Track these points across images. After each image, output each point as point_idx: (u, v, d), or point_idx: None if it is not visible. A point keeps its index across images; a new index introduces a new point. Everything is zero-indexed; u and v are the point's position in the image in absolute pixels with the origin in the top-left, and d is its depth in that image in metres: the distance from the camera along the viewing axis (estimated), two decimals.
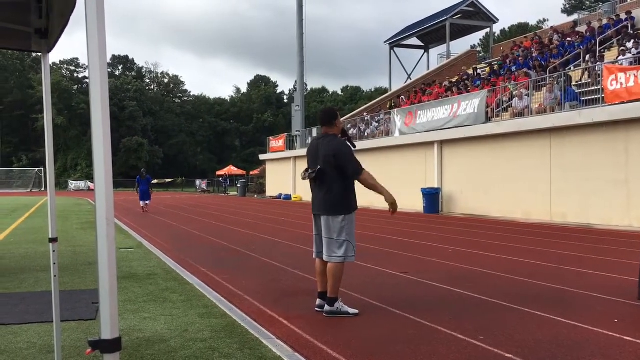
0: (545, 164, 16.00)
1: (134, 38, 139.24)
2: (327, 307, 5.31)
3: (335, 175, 5.27)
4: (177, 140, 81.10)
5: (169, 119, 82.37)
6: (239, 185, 44.07)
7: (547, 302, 5.74)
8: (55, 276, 3.51)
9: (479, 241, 11.40)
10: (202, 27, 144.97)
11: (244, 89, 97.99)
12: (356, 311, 5.31)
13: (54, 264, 3.50)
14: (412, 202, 21.24)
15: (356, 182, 5.38)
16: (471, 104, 19.60)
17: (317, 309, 5.46)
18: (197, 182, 61.09)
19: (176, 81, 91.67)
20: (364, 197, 24.27)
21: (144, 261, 8.92)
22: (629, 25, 21.96)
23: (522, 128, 16.84)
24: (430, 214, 19.52)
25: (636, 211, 13.26)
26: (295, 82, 40.16)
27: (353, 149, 5.57)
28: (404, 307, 5.61)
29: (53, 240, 3.48)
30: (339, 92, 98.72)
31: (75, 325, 5.00)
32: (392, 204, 5.42)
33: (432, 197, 20.07)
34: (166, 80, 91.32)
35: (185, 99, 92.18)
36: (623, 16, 23.02)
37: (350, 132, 30.15)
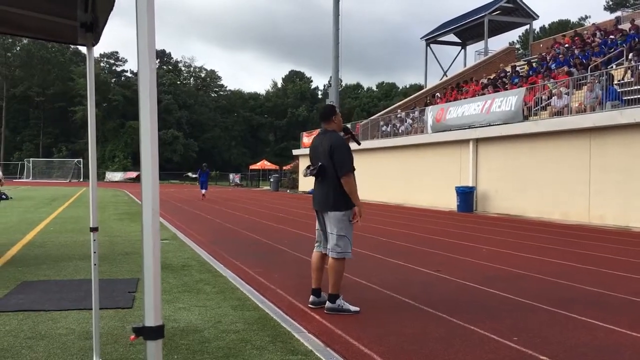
0: (585, 165, 15.65)
1: (159, 30, 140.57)
2: (328, 304, 5.29)
3: (334, 172, 5.27)
4: (211, 134, 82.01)
5: (203, 112, 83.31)
6: (272, 180, 44.35)
7: (583, 305, 5.63)
8: (95, 265, 3.60)
9: (513, 241, 11.23)
10: (226, 20, 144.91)
11: (270, 84, 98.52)
12: (357, 309, 5.28)
13: (94, 252, 3.59)
14: (446, 201, 21.04)
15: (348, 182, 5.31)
16: (508, 101, 19.28)
17: (310, 305, 5.45)
18: (231, 175, 61.71)
19: (213, 76, 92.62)
20: (400, 195, 23.91)
21: (178, 252, 9.06)
22: None
23: (561, 127, 16.50)
24: (464, 213, 19.30)
25: None
26: (330, 77, 40.09)
27: (358, 146, 5.92)
28: (436, 305, 5.57)
29: (94, 229, 3.56)
30: (374, 88, 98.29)
31: (112, 313, 5.12)
32: (360, 213, 5.33)
33: (466, 195, 19.85)
34: (203, 75, 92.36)
35: (222, 93, 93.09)
36: None
37: (383, 128, 30.04)
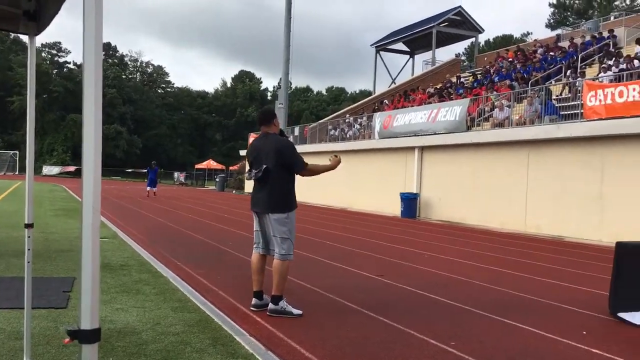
0: (523, 175, 16.21)
1: (106, 21, 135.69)
2: (271, 306, 5.28)
3: (280, 174, 5.32)
4: (157, 131, 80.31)
5: (149, 108, 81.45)
6: (217, 180, 43.82)
7: (518, 312, 5.82)
8: (28, 262, 3.46)
9: (453, 248, 11.50)
10: (175, 16, 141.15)
11: (220, 82, 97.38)
12: (300, 312, 5.28)
13: (29, 250, 3.45)
14: (390, 206, 21.34)
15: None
16: (453, 111, 19.75)
17: (252, 308, 5.43)
18: (176, 174, 60.59)
19: (160, 71, 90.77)
20: (345, 200, 24.04)
21: (117, 252, 8.83)
22: (611, 43, 22.35)
23: (501, 138, 17.03)
24: (408, 219, 19.63)
25: (608, 227, 13.49)
26: (280, 79, 40.00)
27: None
28: (378, 309, 5.64)
29: (29, 226, 3.42)
30: (324, 91, 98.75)
31: (45, 312, 4.94)
32: (337, 162, 5.63)
33: (410, 202, 20.19)
34: (149, 70, 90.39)
35: (169, 90, 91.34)
36: (605, 34, 23.42)
37: (332, 132, 30.22)
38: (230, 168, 55.67)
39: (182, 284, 6.52)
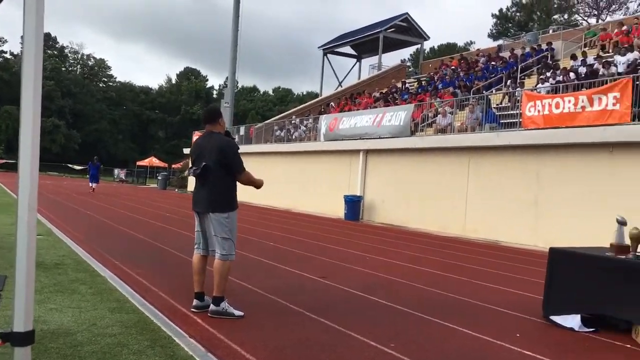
0: (463, 181, 16.65)
1: (46, 11, 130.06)
2: (212, 307, 5.22)
3: (221, 173, 5.25)
4: (97, 126, 77.92)
5: (89, 103, 78.95)
6: (159, 178, 42.93)
7: (455, 314, 5.97)
8: None
9: (395, 251, 11.69)
10: (118, 9, 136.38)
11: (164, 79, 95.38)
12: (241, 313, 5.25)
13: None
14: (334, 208, 21.47)
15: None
16: (397, 116, 20.08)
17: (193, 309, 5.36)
18: (116, 171, 58.97)
19: (102, 65, 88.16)
20: (289, 201, 24.05)
21: (53, 250, 8.52)
22: (549, 55, 23.28)
23: (443, 144, 17.44)
24: (351, 221, 19.81)
25: (542, 232, 14.03)
26: (227, 77, 39.65)
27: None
28: (319, 311, 5.66)
29: None
30: (270, 92, 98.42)
31: None
32: (260, 184, 5.60)
33: (354, 204, 20.38)
34: (91, 63, 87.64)
35: (111, 84, 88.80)
36: (544, 46, 24.37)
37: (277, 133, 30.15)
38: (173, 166, 54.63)
39: (120, 284, 6.35)
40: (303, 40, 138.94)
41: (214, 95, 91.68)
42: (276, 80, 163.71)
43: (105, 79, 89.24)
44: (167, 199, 27.67)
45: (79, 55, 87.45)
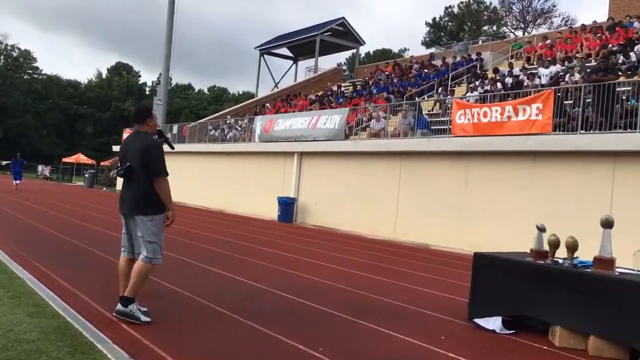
0: (395, 185, 16.98)
1: None
2: (119, 307, 5.03)
3: (145, 175, 5.08)
4: (20, 121, 74.22)
5: (13, 95, 75.12)
6: (87, 176, 41.40)
7: (384, 317, 6.08)
8: None
9: (326, 253, 11.77)
10: None
11: (94, 73, 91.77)
12: (148, 319, 5.05)
13: None
14: (267, 210, 21.39)
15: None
16: (332, 119, 20.26)
17: (115, 314, 5.15)
18: (40, 167, 56.35)
19: (27, 56, 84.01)
20: (223, 202, 23.69)
21: None
22: (478, 65, 24.11)
23: (376, 149, 17.74)
24: (284, 223, 19.79)
25: (469, 236, 14.50)
26: (160, 74, 38.77)
27: (171, 150, 5.82)
28: (250, 315, 5.62)
29: None
30: (205, 90, 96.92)
31: None
32: (172, 217, 5.28)
33: (287, 206, 20.38)
34: (15, 54, 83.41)
35: (36, 76, 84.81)
36: (474, 56, 25.23)
37: (211, 133, 29.75)
38: (102, 163, 52.80)
39: (40, 287, 6.08)
40: (239, 40, 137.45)
41: (147, 92, 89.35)
42: (211, 79, 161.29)
43: (31, 71, 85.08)
44: (94, 197, 26.71)
45: (3, 46, 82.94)
